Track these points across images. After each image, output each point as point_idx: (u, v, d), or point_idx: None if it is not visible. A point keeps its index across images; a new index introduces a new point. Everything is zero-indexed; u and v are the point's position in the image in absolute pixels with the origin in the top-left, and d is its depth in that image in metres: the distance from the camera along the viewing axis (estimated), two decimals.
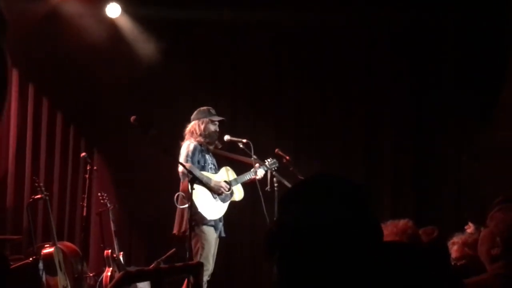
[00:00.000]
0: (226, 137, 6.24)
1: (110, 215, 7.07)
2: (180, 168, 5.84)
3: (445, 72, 7.77)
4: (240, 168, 6.34)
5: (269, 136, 7.68)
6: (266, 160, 6.26)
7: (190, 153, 6.02)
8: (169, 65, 7.80)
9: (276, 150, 6.35)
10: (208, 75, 8.08)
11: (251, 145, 6.13)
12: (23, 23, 7.41)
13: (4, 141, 7.67)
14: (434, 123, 7.81)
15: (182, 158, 5.96)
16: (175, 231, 6.01)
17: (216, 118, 6.23)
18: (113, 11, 7.68)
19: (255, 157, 6.16)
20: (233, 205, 6.24)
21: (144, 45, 7.82)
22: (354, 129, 7.98)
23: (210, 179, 6.03)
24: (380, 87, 7.96)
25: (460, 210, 7.28)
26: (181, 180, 5.93)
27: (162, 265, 6.14)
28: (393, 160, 7.88)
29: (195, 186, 5.44)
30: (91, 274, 7.11)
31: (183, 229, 5.89)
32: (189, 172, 5.52)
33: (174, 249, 6.36)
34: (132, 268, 6.68)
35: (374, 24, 7.77)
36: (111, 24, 7.77)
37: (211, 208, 5.99)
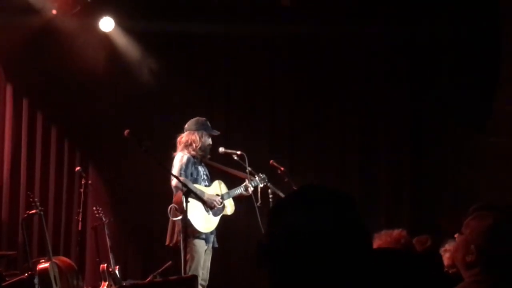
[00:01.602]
0: (221, 150, 6.21)
1: (106, 229, 7.05)
2: (174, 182, 5.82)
3: (445, 74, 7.82)
4: (233, 180, 6.33)
5: (263, 146, 7.70)
6: (256, 175, 6.19)
7: (183, 166, 5.97)
8: (163, 78, 7.81)
9: (271, 161, 6.33)
10: (202, 87, 8.08)
11: (245, 157, 6.12)
12: (16, 38, 7.43)
13: None
14: (434, 123, 7.84)
15: (175, 171, 5.90)
16: (167, 242, 6.00)
17: (215, 133, 6.18)
18: (107, 25, 7.69)
19: (249, 168, 6.14)
20: (228, 216, 6.23)
21: (138, 59, 7.83)
22: (353, 130, 8.01)
23: (203, 192, 5.98)
24: (380, 88, 7.99)
25: (459, 211, 7.27)
26: (174, 193, 5.91)
27: (157, 279, 6.14)
28: (391, 161, 7.91)
29: (189, 199, 5.42)
30: None
31: (174, 240, 5.88)
32: (184, 185, 5.50)
33: (170, 262, 6.35)
34: (128, 282, 6.66)
35: (374, 24, 7.79)
36: (105, 38, 7.79)
37: (203, 221, 5.96)
